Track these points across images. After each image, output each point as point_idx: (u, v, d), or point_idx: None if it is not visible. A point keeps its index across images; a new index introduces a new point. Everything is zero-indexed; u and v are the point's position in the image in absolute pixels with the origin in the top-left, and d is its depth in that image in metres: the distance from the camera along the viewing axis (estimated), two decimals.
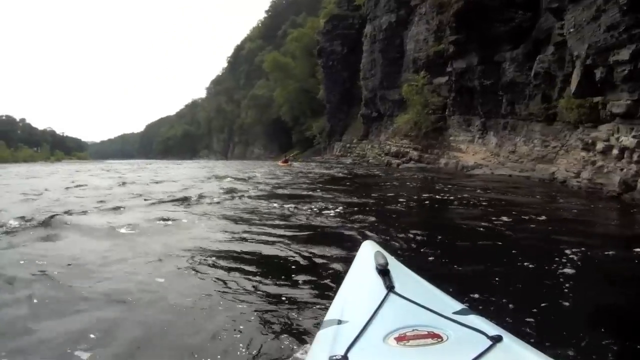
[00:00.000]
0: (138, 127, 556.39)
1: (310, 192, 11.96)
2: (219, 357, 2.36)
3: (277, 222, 6.71)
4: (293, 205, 8.36)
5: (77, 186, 13.84)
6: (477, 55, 21.38)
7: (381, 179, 18.56)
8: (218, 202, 9.35)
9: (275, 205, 8.69)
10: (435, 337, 1.41)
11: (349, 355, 1.36)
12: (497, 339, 1.34)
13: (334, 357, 1.36)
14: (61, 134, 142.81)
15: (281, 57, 64.55)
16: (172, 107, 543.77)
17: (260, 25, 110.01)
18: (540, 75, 17.21)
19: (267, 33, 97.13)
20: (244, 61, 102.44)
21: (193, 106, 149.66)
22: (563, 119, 16.11)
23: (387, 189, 13.70)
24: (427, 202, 10.15)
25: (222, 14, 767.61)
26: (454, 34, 22.62)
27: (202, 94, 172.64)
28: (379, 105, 36.70)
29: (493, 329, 1.45)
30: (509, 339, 1.38)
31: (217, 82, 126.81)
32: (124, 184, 15.08)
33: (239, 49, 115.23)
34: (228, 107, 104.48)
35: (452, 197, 10.55)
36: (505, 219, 6.89)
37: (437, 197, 10.78)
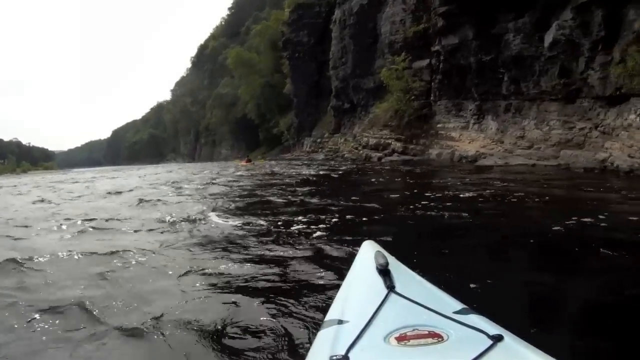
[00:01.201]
0: (105, 133, 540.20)
1: (285, 199, 8.51)
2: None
3: (264, 228, 5.56)
4: (269, 217, 6.34)
5: None
6: (473, 28, 17.79)
7: (366, 176, 14.69)
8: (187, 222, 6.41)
9: (255, 213, 6.85)
10: (436, 336, 1.34)
11: (349, 355, 1.30)
12: (497, 339, 1.28)
13: (335, 357, 1.29)
14: (27, 145, 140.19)
15: (245, 53, 60.23)
16: (138, 111, 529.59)
17: (223, 23, 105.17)
18: (560, 45, 13.70)
19: (231, 30, 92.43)
20: (208, 60, 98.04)
21: (158, 109, 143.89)
22: (593, 95, 12.64)
23: (378, 189, 10.28)
24: (443, 204, 6.86)
25: (186, 13, 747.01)
26: (443, 5, 18.90)
27: (167, 96, 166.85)
28: (351, 96, 32.65)
29: (494, 329, 1.37)
30: (509, 339, 1.30)
31: (181, 84, 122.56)
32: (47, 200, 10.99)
33: (202, 48, 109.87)
34: (193, 108, 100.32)
35: (475, 195, 7.66)
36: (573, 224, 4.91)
37: (459, 195, 7.75)
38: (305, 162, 29.53)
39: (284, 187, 11.24)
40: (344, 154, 29.30)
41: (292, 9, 44.12)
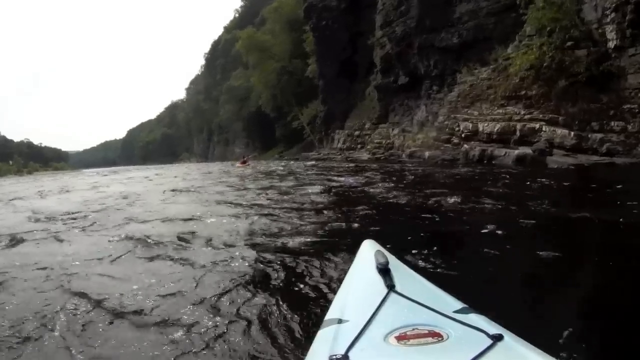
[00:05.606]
0: (120, 133, 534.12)
1: None
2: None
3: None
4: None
5: None
6: None
7: None
8: None
9: None
10: (436, 336, 1.27)
11: (349, 354, 1.23)
12: (497, 338, 1.21)
13: (334, 357, 1.22)
14: (39, 145, 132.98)
15: (258, 35, 49.15)
16: (152, 110, 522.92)
17: (237, 15, 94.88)
18: None
19: (244, 23, 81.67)
20: (221, 55, 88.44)
21: (172, 108, 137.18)
22: None
23: None
24: None
25: (201, 11, 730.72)
26: None
27: (182, 95, 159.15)
28: (415, 63, 20.88)
29: (494, 328, 1.28)
30: (509, 338, 1.23)
31: (196, 82, 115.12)
32: None
33: (215, 44, 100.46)
34: (206, 105, 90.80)
35: None
36: None
37: None
38: (346, 165, 18.02)
39: None
40: (414, 151, 17.25)
41: None
